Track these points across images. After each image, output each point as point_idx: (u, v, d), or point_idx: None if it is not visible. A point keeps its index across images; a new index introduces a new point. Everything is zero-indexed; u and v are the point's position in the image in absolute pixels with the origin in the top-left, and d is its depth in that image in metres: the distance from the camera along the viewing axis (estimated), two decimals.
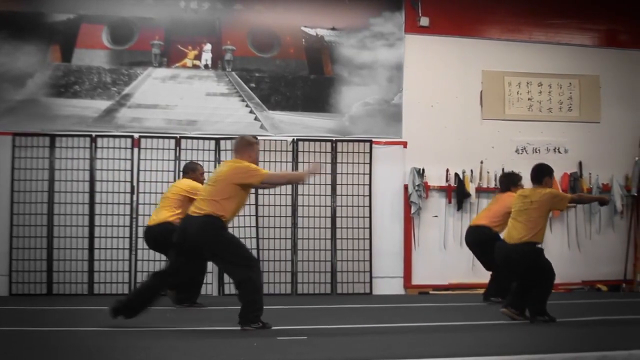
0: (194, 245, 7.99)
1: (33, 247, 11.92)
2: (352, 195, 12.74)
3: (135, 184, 12.18)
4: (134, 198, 12.15)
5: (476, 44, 13.60)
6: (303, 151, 12.70)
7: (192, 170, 10.61)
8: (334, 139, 12.84)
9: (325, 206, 12.70)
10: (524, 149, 13.52)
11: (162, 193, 11.11)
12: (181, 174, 11.00)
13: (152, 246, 10.49)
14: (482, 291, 11.27)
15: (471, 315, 9.74)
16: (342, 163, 12.78)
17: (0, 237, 11.89)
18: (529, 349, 6.96)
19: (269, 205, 12.52)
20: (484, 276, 11.38)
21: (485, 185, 13.16)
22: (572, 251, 13.53)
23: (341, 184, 12.74)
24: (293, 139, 12.72)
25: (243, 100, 12.75)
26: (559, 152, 13.63)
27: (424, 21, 13.29)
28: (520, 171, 13.10)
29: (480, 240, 10.76)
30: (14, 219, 11.93)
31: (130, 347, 7.05)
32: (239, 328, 7.97)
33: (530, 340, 7.59)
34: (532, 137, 13.57)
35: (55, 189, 12.02)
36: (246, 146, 8.51)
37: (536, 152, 13.53)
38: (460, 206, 13.06)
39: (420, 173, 12.90)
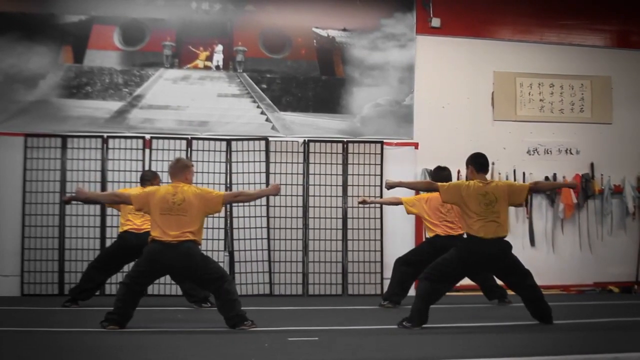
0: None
1: (45, 248, 11.95)
2: (364, 196, 12.72)
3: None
4: None
5: (487, 45, 13.59)
6: (314, 152, 12.70)
7: (152, 179, 10.68)
8: (345, 140, 12.83)
9: (337, 207, 12.69)
10: (536, 150, 13.49)
11: None
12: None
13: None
14: None
15: (481, 316, 9.73)
16: (353, 164, 12.77)
17: (12, 238, 11.92)
18: (541, 350, 6.95)
19: (280, 206, 12.52)
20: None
21: None
22: (583, 252, 13.49)
23: (352, 185, 12.73)
24: (304, 140, 12.72)
25: (254, 101, 12.76)
26: (571, 153, 13.60)
27: (436, 22, 13.28)
28: (532, 172, 13.17)
29: None
30: (26, 219, 11.96)
31: (139, 347, 7.08)
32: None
33: (541, 342, 7.58)
34: (544, 138, 13.55)
35: (67, 190, 12.02)
36: (183, 169, 8.76)
37: (548, 153, 13.51)
38: None
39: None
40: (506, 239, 8.68)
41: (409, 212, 10.96)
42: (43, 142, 12.12)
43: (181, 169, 8.68)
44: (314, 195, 12.65)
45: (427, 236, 10.88)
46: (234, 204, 12.25)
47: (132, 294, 8.35)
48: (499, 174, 13.14)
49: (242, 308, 8.32)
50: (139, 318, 8.50)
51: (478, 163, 8.91)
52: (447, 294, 10.79)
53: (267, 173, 12.50)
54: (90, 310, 9.73)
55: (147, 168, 12.07)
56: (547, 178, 13.34)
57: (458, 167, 12.74)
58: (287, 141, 12.67)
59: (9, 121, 12.09)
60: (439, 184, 8.94)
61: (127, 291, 8.31)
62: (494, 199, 8.58)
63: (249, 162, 12.50)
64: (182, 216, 8.33)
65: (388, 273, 12.49)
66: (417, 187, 10.27)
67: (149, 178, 10.61)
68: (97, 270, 10.45)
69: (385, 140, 12.93)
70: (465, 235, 8.81)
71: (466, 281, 10.87)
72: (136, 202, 8.53)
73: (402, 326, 8.37)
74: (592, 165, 13.60)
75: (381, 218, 12.73)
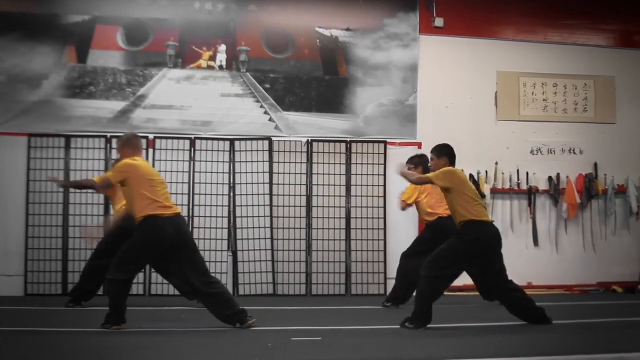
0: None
1: (48, 248, 11.95)
2: (367, 196, 12.72)
3: None
4: None
5: (491, 45, 13.58)
6: (318, 152, 12.69)
7: None
8: (348, 140, 12.83)
9: (340, 207, 12.69)
10: (539, 150, 13.48)
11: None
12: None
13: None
14: None
15: (485, 316, 9.71)
16: (356, 164, 12.76)
17: (16, 238, 11.93)
18: (543, 350, 6.95)
19: (283, 206, 12.52)
20: None
21: (500, 187, 13.13)
22: (587, 253, 13.48)
23: (356, 185, 12.72)
24: (308, 140, 12.72)
25: (258, 101, 12.76)
26: (574, 153, 13.59)
27: (439, 22, 13.27)
28: (535, 172, 13.16)
29: None
30: (30, 219, 11.97)
31: (142, 348, 7.08)
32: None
33: (544, 342, 7.57)
34: (547, 138, 13.54)
35: (70, 190, 12.04)
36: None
37: (551, 153, 13.50)
38: None
39: None
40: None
41: (410, 203, 10.84)
42: (46, 142, 12.13)
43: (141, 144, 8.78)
44: (317, 195, 12.64)
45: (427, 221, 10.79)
46: (237, 205, 12.30)
47: (129, 287, 8.24)
48: (503, 173, 13.16)
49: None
50: (142, 318, 8.51)
51: (452, 155, 8.89)
52: (448, 294, 10.85)
53: (271, 173, 12.50)
54: (94, 311, 9.73)
55: None
56: (550, 178, 13.36)
57: (461, 167, 12.67)
58: (290, 141, 12.67)
59: (13, 121, 12.10)
60: (430, 175, 8.79)
61: (125, 288, 8.15)
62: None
63: (252, 162, 12.49)
64: (165, 189, 8.32)
65: (392, 273, 12.48)
66: (414, 182, 9.90)
67: None
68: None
69: (388, 140, 12.92)
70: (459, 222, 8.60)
71: (469, 281, 10.89)
72: (115, 178, 8.24)
73: (405, 327, 8.33)
74: (595, 165, 13.58)
75: (384, 218, 12.72)
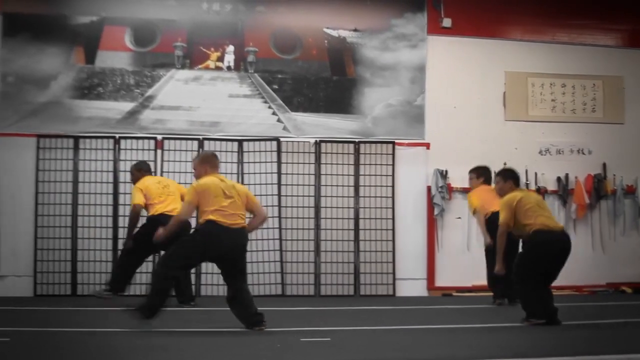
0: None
1: (57, 248, 11.98)
2: (375, 196, 12.72)
3: None
4: None
5: (499, 45, 13.55)
6: (326, 153, 12.69)
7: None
8: (356, 140, 12.83)
9: (348, 207, 12.68)
10: (548, 150, 13.45)
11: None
12: (146, 173, 10.86)
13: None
14: None
15: (494, 317, 9.69)
16: (364, 164, 12.76)
17: (25, 239, 11.95)
18: (552, 351, 6.93)
19: (292, 207, 12.52)
20: None
21: None
22: (596, 253, 13.44)
23: (364, 186, 12.73)
24: (316, 141, 12.72)
25: (266, 102, 12.77)
26: (583, 153, 13.56)
27: (447, 22, 13.26)
28: (544, 172, 13.14)
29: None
30: (39, 220, 12.00)
31: (150, 348, 7.07)
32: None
33: (552, 342, 7.55)
34: (556, 138, 13.51)
35: (79, 191, 12.07)
36: None
37: (560, 153, 13.47)
38: None
39: (444, 174, 12.88)
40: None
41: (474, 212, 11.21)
42: (55, 143, 12.15)
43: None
44: (325, 196, 12.64)
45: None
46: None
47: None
48: None
49: None
50: None
51: (516, 177, 9.23)
52: (463, 294, 10.81)
53: (279, 174, 12.51)
54: (101, 311, 9.75)
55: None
56: (559, 178, 13.33)
57: (470, 168, 12.73)
58: (298, 142, 12.68)
59: (21, 122, 12.12)
60: (500, 224, 8.96)
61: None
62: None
63: (260, 162, 12.50)
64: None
65: (400, 273, 12.56)
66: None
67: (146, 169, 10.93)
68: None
69: (396, 141, 12.92)
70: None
71: (476, 282, 10.91)
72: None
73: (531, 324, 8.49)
74: (604, 165, 13.55)
75: (393, 218, 12.72)
